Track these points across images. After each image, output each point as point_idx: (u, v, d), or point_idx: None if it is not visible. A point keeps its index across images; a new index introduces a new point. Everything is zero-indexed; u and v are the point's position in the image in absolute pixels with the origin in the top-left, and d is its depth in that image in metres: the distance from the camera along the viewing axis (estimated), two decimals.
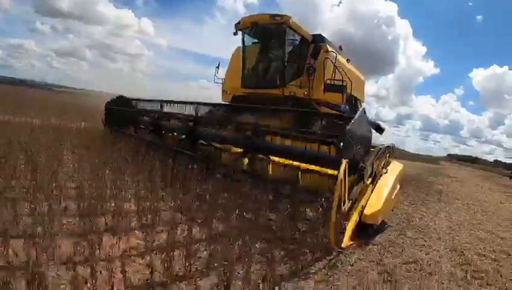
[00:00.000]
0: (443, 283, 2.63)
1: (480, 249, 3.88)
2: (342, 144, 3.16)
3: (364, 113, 3.71)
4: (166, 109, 6.60)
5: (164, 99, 6.66)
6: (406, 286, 2.46)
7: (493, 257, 3.65)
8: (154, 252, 2.30)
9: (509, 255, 3.84)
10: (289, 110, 5.42)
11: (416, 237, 3.96)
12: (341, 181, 2.74)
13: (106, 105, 8.48)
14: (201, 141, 5.47)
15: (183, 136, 5.75)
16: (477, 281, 2.82)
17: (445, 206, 6.77)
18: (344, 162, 2.85)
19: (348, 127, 3.20)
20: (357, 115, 3.42)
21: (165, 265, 2.07)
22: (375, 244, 3.35)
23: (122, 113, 7.90)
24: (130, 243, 2.44)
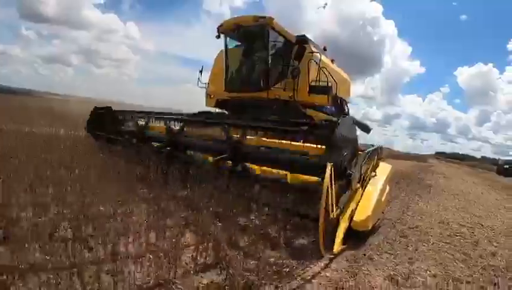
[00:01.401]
0: (434, 237, 4.28)
1: (461, 222, 5.56)
2: (327, 152, 3.31)
3: (349, 117, 3.85)
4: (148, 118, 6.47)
5: (152, 104, 6.55)
6: (413, 238, 4.08)
7: (470, 226, 5.32)
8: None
9: (482, 225, 5.52)
10: (273, 120, 5.34)
11: (414, 215, 5.59)
12: (327, 187, 2.71)
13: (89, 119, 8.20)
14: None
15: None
16: (457, 237, 4.48)
17: (434, 196, 8.49)
18: (329, 166, 2.81)
19: (333, 135, 3.29)
20: (341, 121, 3.48)
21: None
22: (387, 219, 4.96)
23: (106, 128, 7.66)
24: None
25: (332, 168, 2.88)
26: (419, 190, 9.41)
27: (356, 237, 3.54)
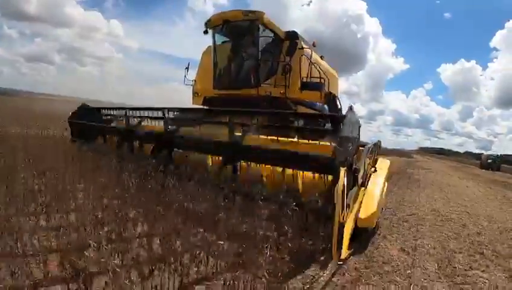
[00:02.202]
0: (429, 222, 5.22)
1: (450, 210, 6.54)
2: (338, 146, 3.21)
3: (352, 109, 3.70)
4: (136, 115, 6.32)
5: (135, 103, 6.09)
6: (413, 222, 5.00)
7: (458, 213, 6.30)
8: None
9: (468, 213, 6.51)
10: (274, 112, 5.44)
11: (410, 205, 6.53)
12: (341, 190, 2.69)
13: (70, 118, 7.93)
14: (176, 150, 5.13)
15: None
16: (448, 221, 5.44)
17: (424, 189, 9.53)
18: (343, 170, 2.80)
19: (343, 128, 3.27)
20: (347, 113, 3.48)
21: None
22: (388, 209, 5.86)
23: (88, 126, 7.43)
24: None
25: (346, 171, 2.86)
26: (409, 184, 10.48)
27: (359, 238, 3.49)
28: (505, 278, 3.14)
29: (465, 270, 3.23)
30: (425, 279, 2.87)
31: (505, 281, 3.07)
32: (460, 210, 6.72)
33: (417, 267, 3.11)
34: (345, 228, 2.84)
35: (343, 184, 2.74)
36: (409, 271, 2.99)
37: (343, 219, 2.78)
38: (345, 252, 2.85)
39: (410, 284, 2.70)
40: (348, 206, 2.97)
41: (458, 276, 3.04)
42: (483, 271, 3.27)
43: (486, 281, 3.03)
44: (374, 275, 2.81)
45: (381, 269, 2.95)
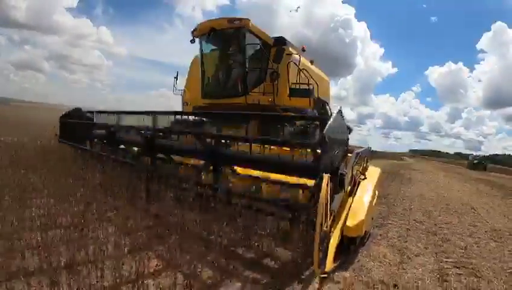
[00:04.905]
0: (417, 200, 8.72)
1: (431, 195, 10.10)
2: (320, 149, 3.16)
3: (341, 112, 3.58)
4: (124, 121, 6.39)
5: (123, 110, 6.41)
6: (407, 200, 8.49)
7: (437, 197, 9.86)
8: None
9: (444, 197, 10.06)
10: (257, 114, 5.71)
11: (404, 193, 10.01)
12: (324, 197, 2.69)
13: (60, 119, 8.31)
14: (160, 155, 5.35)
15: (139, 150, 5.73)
16: (429, 200, 8.99)
17: (414, 184, 13.15)
18: (326, 177, 2.80)
19: (326, 130, 3.13)
20: (334, 115, 3.37)
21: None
22: (391, 195, 9.29)
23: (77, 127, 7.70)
24: None
25: (328, 175, 2.86)
26: (403, 181, 14.12)
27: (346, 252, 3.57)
28: (457, 220, 6.68)
29: (437, 217, 6.78)
30: (416, 217, 6.40)
31: (457, 221, 6.61)
32: (439, 195, 10.32)
33: (413, 214, 6.65)
34: (331, 237, 2.92)
35: (326, 192, 2.78)
36: (409, 215, 6.55)
37: (326, 227, 2.81)
38: (330, 264, 2.91)
39: (410, 218, 6.17)
40: (332, 213, 3.04)
41: (433, 217, 6.57)
42: (446, 217, 6.81)
43: (448, 219, 6.58)
44: (392, 216, 6.30)
45: (396, 214, 6.47)
